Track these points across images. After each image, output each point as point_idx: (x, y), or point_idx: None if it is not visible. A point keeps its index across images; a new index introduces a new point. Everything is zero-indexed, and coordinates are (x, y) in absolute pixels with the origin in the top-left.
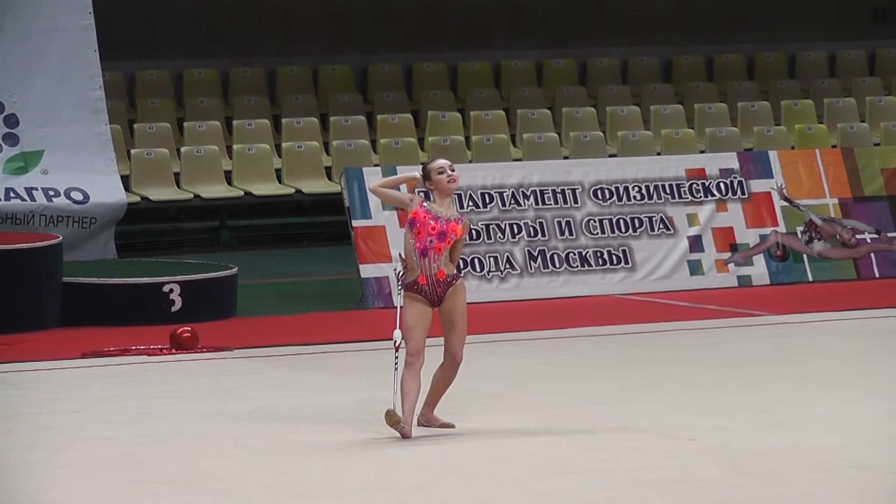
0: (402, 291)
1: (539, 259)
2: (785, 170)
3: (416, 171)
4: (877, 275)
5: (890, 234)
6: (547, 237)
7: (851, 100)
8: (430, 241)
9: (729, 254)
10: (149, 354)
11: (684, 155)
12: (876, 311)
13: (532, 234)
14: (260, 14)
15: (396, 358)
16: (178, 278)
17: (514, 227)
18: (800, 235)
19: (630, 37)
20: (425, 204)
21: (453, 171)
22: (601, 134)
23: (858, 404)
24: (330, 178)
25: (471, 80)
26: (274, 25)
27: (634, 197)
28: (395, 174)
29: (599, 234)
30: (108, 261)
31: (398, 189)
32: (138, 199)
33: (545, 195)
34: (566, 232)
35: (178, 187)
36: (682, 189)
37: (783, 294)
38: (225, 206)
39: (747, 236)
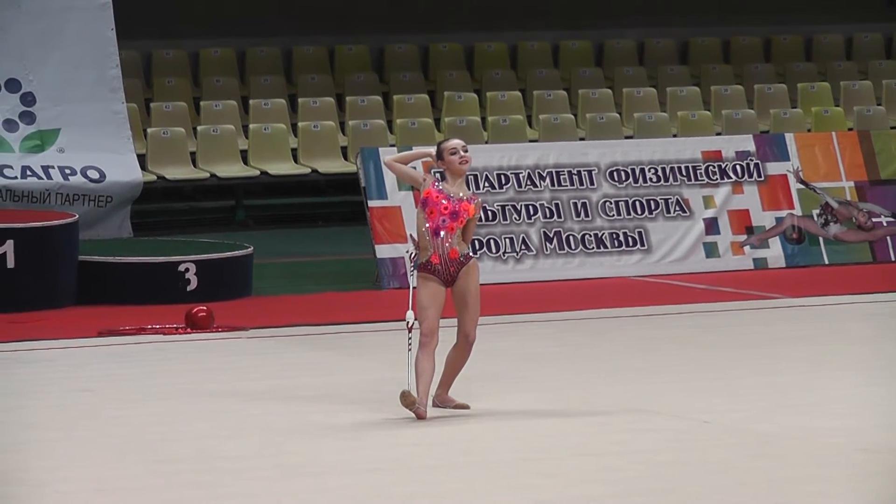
0: (415, 272)
1: (555, 240)
2: (801, 152)
3: (432, 149)
4: (892, 258)
5: None
6: (563, 218)
7: (868, 82)
8: (443, 221)
9: (745, 236)
10: (164, 333)
11: (700, 137)
12: (891, 294)
13: (548, 216)
14: None
15: (410, 339)
16: (194, 257)
17: (530, 208)
18: (816, 218)
19: (646, 18)
20: (438, 184)
21: (466, 151)
22: (617, 115)
23: (872, 387)
24: (346, 158)
25: (487, 60)
26: (290, 5)
27: (650, 179)
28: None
29: (615, 216)
30: (123, 239)
31: (415, 167)
32: (154, 178)
33: (561, 176)
34: (582, 213)
35: (194, 166)
36: (698, 171)
37: (799, 277)
38: (241, 186)
39: (763, 219)
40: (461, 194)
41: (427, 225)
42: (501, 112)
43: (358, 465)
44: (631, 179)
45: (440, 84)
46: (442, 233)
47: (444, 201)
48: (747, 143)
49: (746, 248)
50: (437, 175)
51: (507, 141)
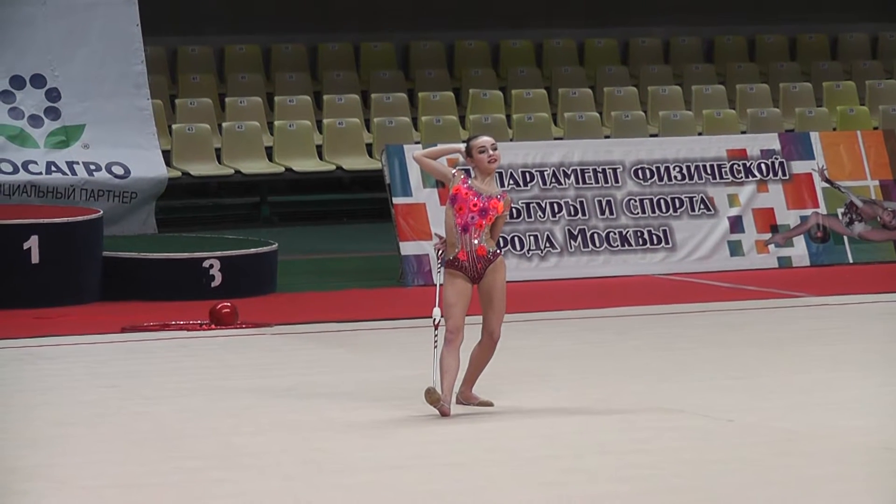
0: (442, 269)
1: (579, 238)
2: (826, 151)
3: (461, 145)
4: None
5: None
6: (587, 216)
7: (893, 81)
8: (472, 217)
9: (769, 235)
10: (188, 330)
11: (725, 135)
12: None
13: (572, 214)
14: None
15: (436, 336)
16: (219, 254)
17: (555, 206)
18: (840, 217)
19: (672, 16)
20: (468, 181)
21: (495, 149)
22: (642, 114)
23: (895, 386)
24: (371, 155)
25: (512, 58)
26: (316, 2)
27: (675, 177)
28: None
29: (640, 214)
30: (148, 236)
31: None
32: (179, 174)
33: (586, 174)
34: (607, 211)
35: (219, 163)
36: (723, 169)
37: (823, 275)
38: (266, 182)
39: (788, 217)
40: (491, 191)
41: (455, 221)
42: (526, 109)
43: (381, 462)
44: (656, 177)
45: (465, 81)
46: (471, 229)
47: (473, 198)
48: (772, 141)
49: (771, 247)
50: (464, 172)
51: (532, 138)
